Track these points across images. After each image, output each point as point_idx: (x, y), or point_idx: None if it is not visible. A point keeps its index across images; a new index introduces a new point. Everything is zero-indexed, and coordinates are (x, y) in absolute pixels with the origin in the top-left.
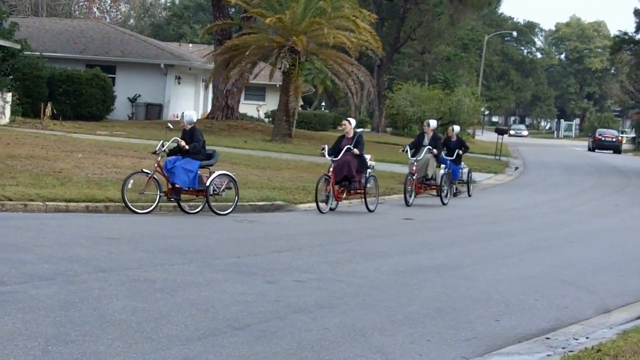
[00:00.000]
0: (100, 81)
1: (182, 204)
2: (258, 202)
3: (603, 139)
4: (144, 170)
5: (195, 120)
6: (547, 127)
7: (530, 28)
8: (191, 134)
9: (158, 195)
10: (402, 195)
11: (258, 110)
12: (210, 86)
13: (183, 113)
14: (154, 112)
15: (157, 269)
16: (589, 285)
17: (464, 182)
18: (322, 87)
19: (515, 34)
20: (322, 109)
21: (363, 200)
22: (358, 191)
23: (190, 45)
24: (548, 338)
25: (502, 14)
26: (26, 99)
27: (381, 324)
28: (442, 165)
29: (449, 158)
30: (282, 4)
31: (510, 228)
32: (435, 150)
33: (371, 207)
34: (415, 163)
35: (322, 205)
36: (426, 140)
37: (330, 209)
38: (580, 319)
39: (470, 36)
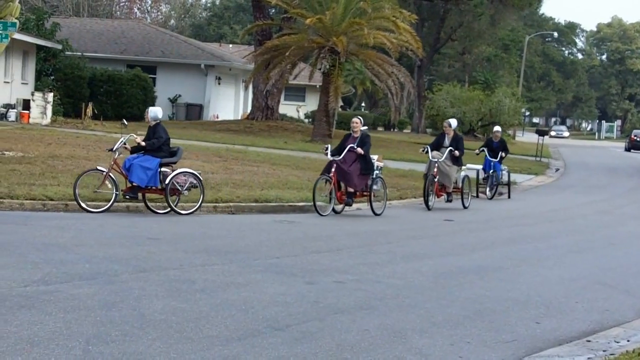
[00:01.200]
0: (141, 81)
1: (159, 202)
2: (298, 203)
3: (638, 139)
4: (98, 168)
5: (160, 116)
6: (588, 129)
7: (571, 29)
8: (154, 130)
9: (114, 194)
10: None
11: (298, 111)
12: (250, 87)
13: (148, 108)
14: (194, 112)
15: (197, 269)
16: (630, 288)
17: (504, 184)
18: (362, 88)
19: (556, 34)
20: (362, 109)
21: (368, 203)
22: (365, 193)
23: (231, 45)
24: (589, 341)
25: (543, 14)
26: (67, 99)
27: (421, 325)
28: (465, 168)
29: (493, 159)
30: (322, 5)
31: (550, 230)
32: (457, 152)
33: (377, 211)
34: (437, 163)
35: (321, 206)
36: (447, 141)
37: (335, 212)
38: (622, 322)
39: (511, 37)
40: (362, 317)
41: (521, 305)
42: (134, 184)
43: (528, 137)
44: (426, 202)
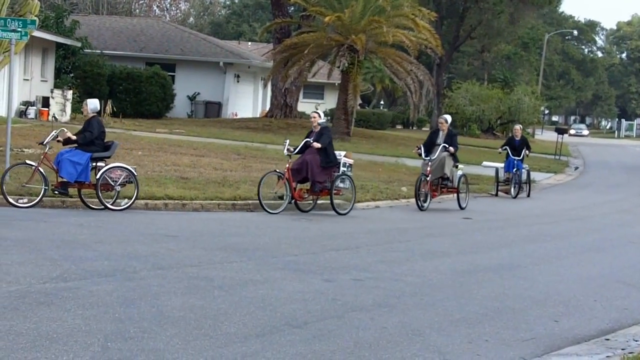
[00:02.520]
0: (160, 79)
1: (98, 198)
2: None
3: None
4: (27, 162)
5: (98, 109)
6: (607, 127)
7: (591, 27)
8: (88, 123)
9: (43, 189)
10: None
11: (316, 109)
12: (269, 84)
13: (86, 100)
14: (213, 110)
15: (216, 267)
16: None
17: (524, 182)
18: (381, 86)
19: (575, 32)
20: (381, 107)
21: (330, 201)
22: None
23: (250, 43)
24: (607, 339)
25: (562, 12)
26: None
27: (439, 323)
28: (460, 166)
29: (516, 158)
30: (342, 3)
31: (569, 228)
32: (451, 149)
33: (341, 211)
34: (429, 163)
35: (267, 204)
36: (441, 138)
37: (301, 210)
38: None
39: (530, 35)
40: (380, 314)
41: (540, 303)
42: (63, 179)
43: (547, 136)
44: (417, 202)
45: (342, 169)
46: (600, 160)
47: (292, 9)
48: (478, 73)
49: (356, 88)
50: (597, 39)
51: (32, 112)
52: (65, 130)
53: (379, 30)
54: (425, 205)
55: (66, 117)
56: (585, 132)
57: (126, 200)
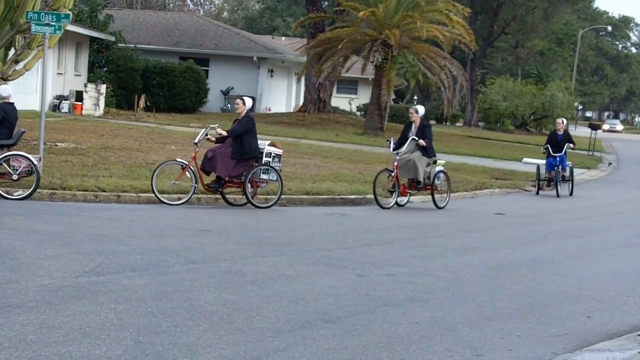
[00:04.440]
0: (193, 74)
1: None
2: (349, 196)
3: None
4: None
5: (7, 95)
6: None
7: (625, 22)
8: None
9: None
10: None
11: (350, 104)
12: (303, 79)
13: None
14: None
15: (248, 261)
16: None
17: (566, 180)
18: (415, 81)
19: (610, 28)
20: (415, 102)
21: (243, 193)
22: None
23: (283, 38)
24: None
25: (596, 8)
26: (120, 90)
27: (471, 318)
28: (440, 161)
29: (559, 154)
30: None
31: (603, 224)
32: (421, 141)
33: (258, 203)
34: (397, 158)
35: (161, 196)
36: (413, 131)
37: (229, 201)
38: None
39: (564, 31)
40: (413, 309)
41: (572, 299)
42: None
43: (581, 131)
44: (376, 199)
45: (265, 159)
46: (634, 156)
47: (326, 3)
48: (512, 68)
49: (390, 83)
50: (631, 34)
51: (65, 106)
52: None
53: (413, 26)
54: (391, 203)
55: (99, 111)
56: (620, 127)
57: (20, 191)
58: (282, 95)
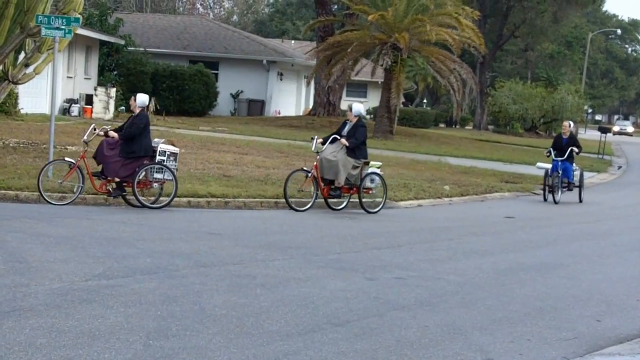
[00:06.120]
0: (203, 77)
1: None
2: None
3: None
4: None
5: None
6: None
7: (634, 26)
8: None
9: None
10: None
11: None
12: (312, 83)
13: None
14: (256, 108)
15: (258, 265)
16: None
17: (576, 185)
18: (424, 84)
19: (619, 31)
20: (424, 106)
21: (133, 194)
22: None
23: (293, 41)
24: None
25: (606, 11)
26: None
27: (481, 322)
28: (375, 163)
29: (560, 159)
30: (385, 1)
31: (613, 227)
32: (343, 140)
33: (151, 204)
34: (317, 157)
35: (47, 195)
36: (346, 130)
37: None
38: None
39: (574, 34)
40: (422, 313)
41: (582, 302)
42: None
43: (590, 135)
44: (287, 200)
45: (159, 157)
46: None
47: (336, 7)
48: (521, 72)
49: (399, 86)
50: None
51: (75, 109)
52: None
53: (422, 29)
54: (308, 204)
55: (109, 114)
56: (630, 128)
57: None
58: (291, 99)
